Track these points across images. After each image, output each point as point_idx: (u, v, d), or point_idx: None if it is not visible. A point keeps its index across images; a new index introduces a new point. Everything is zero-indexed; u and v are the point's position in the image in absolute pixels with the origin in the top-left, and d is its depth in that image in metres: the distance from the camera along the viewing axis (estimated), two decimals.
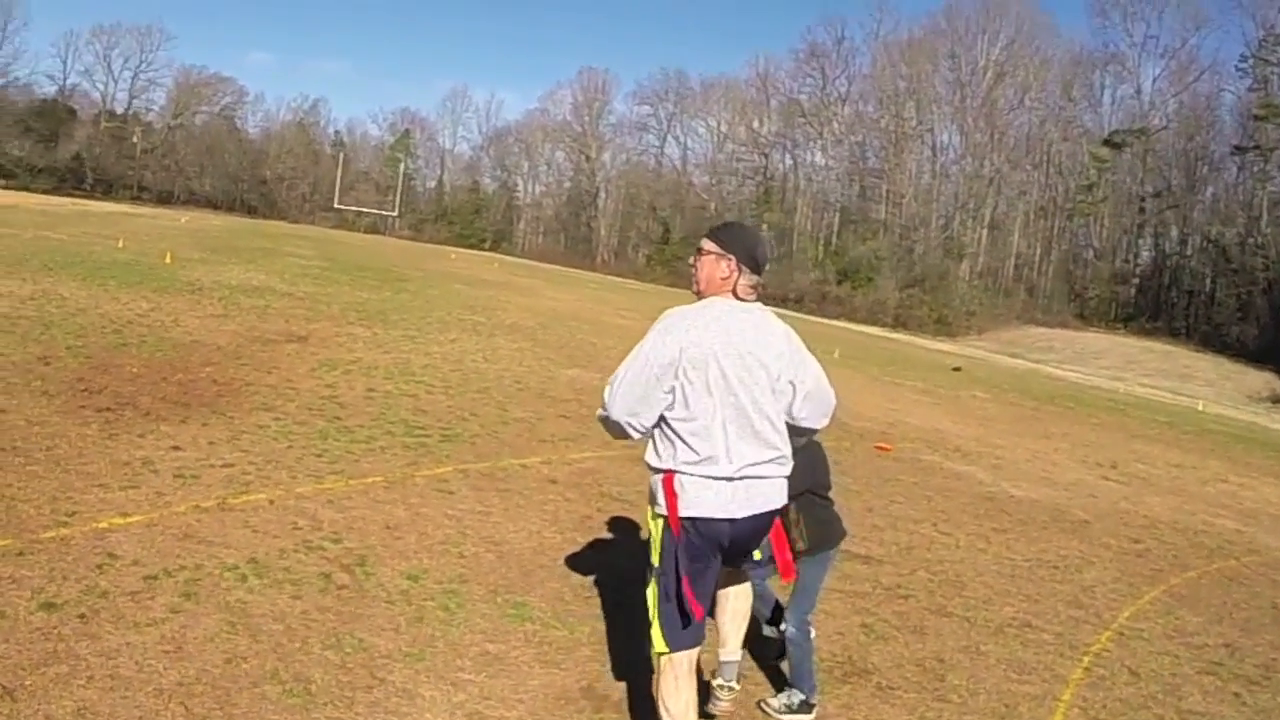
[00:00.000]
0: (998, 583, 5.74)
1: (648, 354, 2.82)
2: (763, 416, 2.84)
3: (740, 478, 2.80)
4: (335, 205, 77.40)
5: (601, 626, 4.00)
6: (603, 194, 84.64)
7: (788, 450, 2.92)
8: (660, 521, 2.85)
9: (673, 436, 2.82)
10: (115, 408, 6.61)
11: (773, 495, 2.90)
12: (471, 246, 74.52)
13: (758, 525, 2.90)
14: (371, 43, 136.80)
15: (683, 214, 78.89)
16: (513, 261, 63.94)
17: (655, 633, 2.84)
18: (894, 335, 47.73)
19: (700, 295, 2.97)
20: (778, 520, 3.03)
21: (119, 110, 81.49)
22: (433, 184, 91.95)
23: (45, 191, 60.63)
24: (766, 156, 78.08)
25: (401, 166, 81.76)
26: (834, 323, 52.49)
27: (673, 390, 2.80)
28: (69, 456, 5.32)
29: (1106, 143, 63.26)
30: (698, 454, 2.78)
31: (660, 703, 2.85)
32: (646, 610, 2.88)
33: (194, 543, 4.27)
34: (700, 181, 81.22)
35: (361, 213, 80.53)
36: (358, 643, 3.50)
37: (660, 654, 2.85)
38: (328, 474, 5.68)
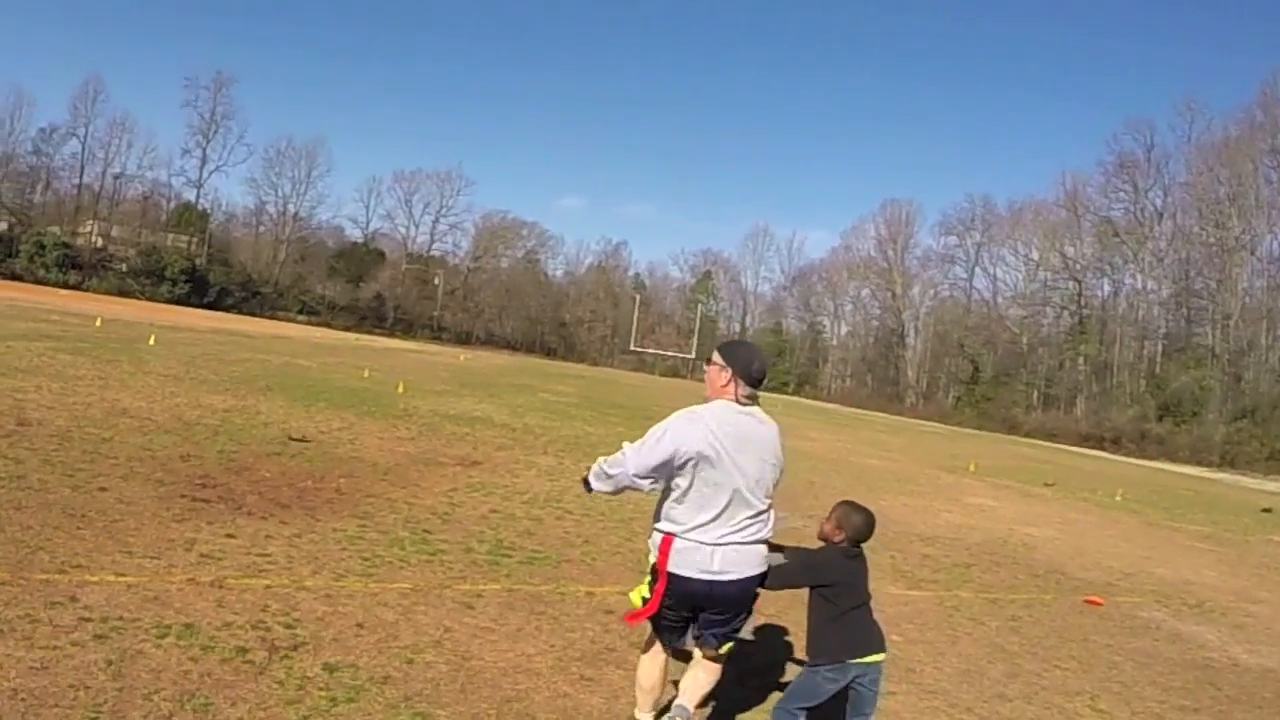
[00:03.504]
0: None
1: (671, 434, 4.08)
2: (754, 492, 4.11)
3: (727, 544, 4.05)
4: (632, 348, 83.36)
5: None
6: (910, 332, 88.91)
7: (768, 522, 4.18)
8: (652, 568, 4.18)
9: (677, 504, 4.10)
10: (212, 500, 7.80)
11: (755, 561, 4.13)
12: (774, 390, 78.04)
13: (738, 589, 4.10)
14: (675, 184, 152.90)
15: (994, 351, 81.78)
16: (804, 404, 65.53)
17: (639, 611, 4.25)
18: (1216, 475, 45.78)
19: (708, 399, 4.28)
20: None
21: (421, 253, 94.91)
22: (736, 326, 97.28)
23: (346, 329, 71.48)
24: (1080, 283, 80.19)
25: (700, 308, 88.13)
26: (1149, 463, 49.54)
27: (681, 466, 4.03)
28: (124, 529, 6.45)
29: None
30: (693, 522, 4.05)
31: (638, 672, 4.41)
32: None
33: (155, 605, 5.01)
34: (1012, 315, 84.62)
35: (660, 355, 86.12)
36: (205, 705, 3.91)
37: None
38: (355, 575, 6.27)
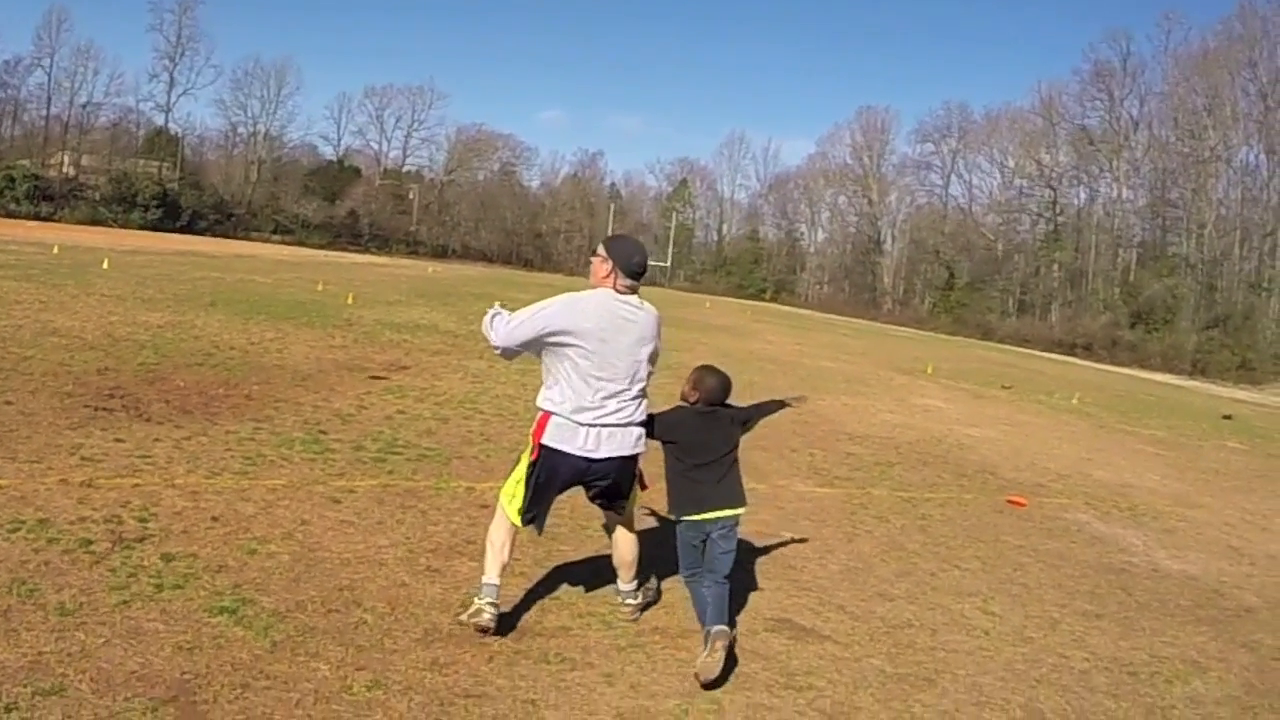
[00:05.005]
0: (996, 688, 4.69)
1: (544, 315, 4.43)
2: (629, 376, 4.46)
3: (601, 425, 4.39)
4: None
5: (297, 641, 4.08)
6: (887, 239, 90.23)
7: (640, 405, 4.57)
8: (529, 444, 4.49)
9: (555, 385, 4.45)
10: (115, 409, 8.01)
11: (626, 442, 4.49)
12: (751, 297, 79.07)
13: (615, 466, 4.49)
14: (652, 94, 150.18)
15: (970, 257, 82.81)
16: (777, 310, 66.31)
17: (505, 498, 4.53)
18: (1186, 383, 46.47)
19: (592, 286, 4.59)
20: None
21: (395, 168, 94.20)
22: (713, 234, 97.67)
23: (321, 246, 70.99)
24: (1055, 190, 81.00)
25: (676, 217, 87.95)
26: (1120, 370, 50.14)
27: (555, 346, 4.38)
28: (15, 438, 6.67)
29: None
30: (570, 403, 4.38)
31: (489, 533, 4.57)
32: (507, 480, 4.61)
33: (17, 503, 5.25)
34: (988, 222, 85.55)
35: None
36: (31, 591, 4.15)
37: (504, 509, 4.53)
38: (230, 473, 6.49)
